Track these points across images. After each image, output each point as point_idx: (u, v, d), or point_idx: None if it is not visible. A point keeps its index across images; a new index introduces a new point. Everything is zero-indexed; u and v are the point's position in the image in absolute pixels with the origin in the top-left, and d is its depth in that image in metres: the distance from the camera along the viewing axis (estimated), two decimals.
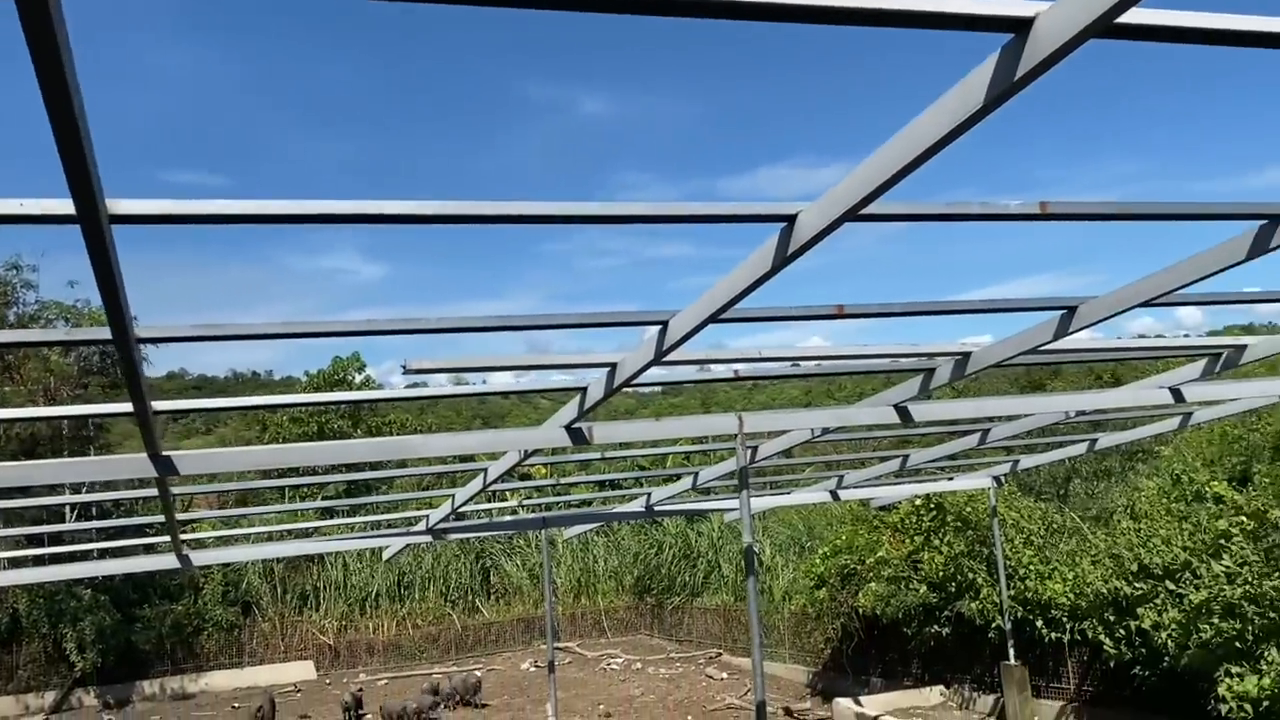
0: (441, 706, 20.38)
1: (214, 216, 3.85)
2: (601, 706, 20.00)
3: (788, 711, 18.13)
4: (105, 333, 4.62)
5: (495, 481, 9.81)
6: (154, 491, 8.88)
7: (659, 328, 5.89)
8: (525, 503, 15.08)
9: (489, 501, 18.26)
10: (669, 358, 6.38)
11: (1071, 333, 6.55)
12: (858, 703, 16.07)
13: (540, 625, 29.45)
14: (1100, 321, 6.33)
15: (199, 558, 12.01)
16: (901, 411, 8.44)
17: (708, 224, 4.56)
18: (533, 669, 25.40)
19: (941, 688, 16.91)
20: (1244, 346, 8.39)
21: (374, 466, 27.37)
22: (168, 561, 11.37)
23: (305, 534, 22.29)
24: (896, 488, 15.76)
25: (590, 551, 32.22)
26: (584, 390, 7.15)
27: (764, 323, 6.20)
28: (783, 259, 4.64)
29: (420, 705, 19.15)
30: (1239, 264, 5.43)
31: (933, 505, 17.08)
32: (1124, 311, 6.11)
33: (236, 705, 22.76)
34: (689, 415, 8.73)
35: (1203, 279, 5.63)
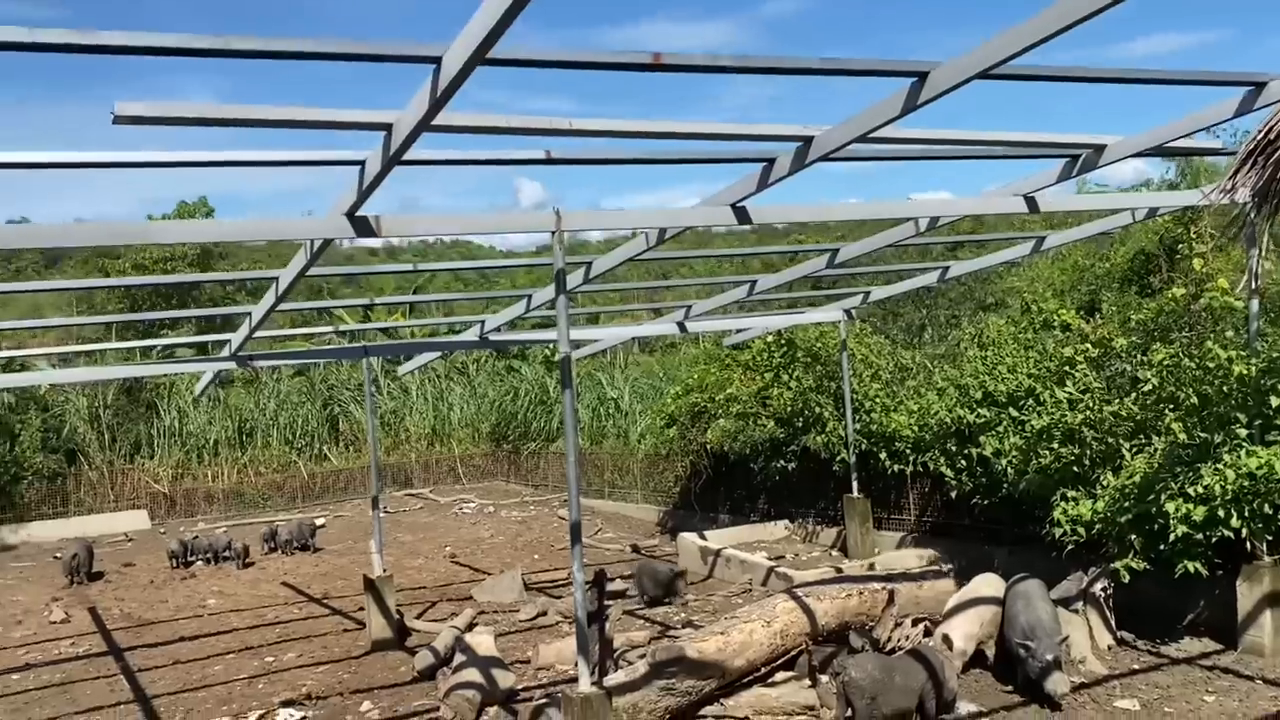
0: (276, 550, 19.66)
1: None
2: (448, 548, 19.45)
3: (636, 549, 17.89)
4: None
5: (289, 292, 8.64)
6: None
7: (432, 68, 4.79)
8: (361, 326, 13.93)
9: (313, 325, 17.06)
10: (449, 120, 5.32)
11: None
12: (702, 537, 15.85)
13: (391, 472, 28.63)
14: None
15: None
16: (739, 211, 7.60)
17: None
18: (383, 513, 24.61)
19: (786, 522, 16.84)
20: (1103, 146, 7.79)
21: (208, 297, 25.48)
22: None
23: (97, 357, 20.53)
24: (748, 320, 15.20)
25: (445, 399, 31.31)
26: (361, 165, 6.01)
27: (567, 70, 5.18)
28: None
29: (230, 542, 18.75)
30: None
31: (784, 341, 16.67)
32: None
33: (57, 555, 21.31)
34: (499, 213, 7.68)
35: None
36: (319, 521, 22.88)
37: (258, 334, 10.61)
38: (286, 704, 10.03)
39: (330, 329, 13.44)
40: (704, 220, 7.70)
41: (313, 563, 18.86)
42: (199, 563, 19.03)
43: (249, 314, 10.21)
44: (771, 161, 7.02)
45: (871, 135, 6.43)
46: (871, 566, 12.71)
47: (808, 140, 6.67)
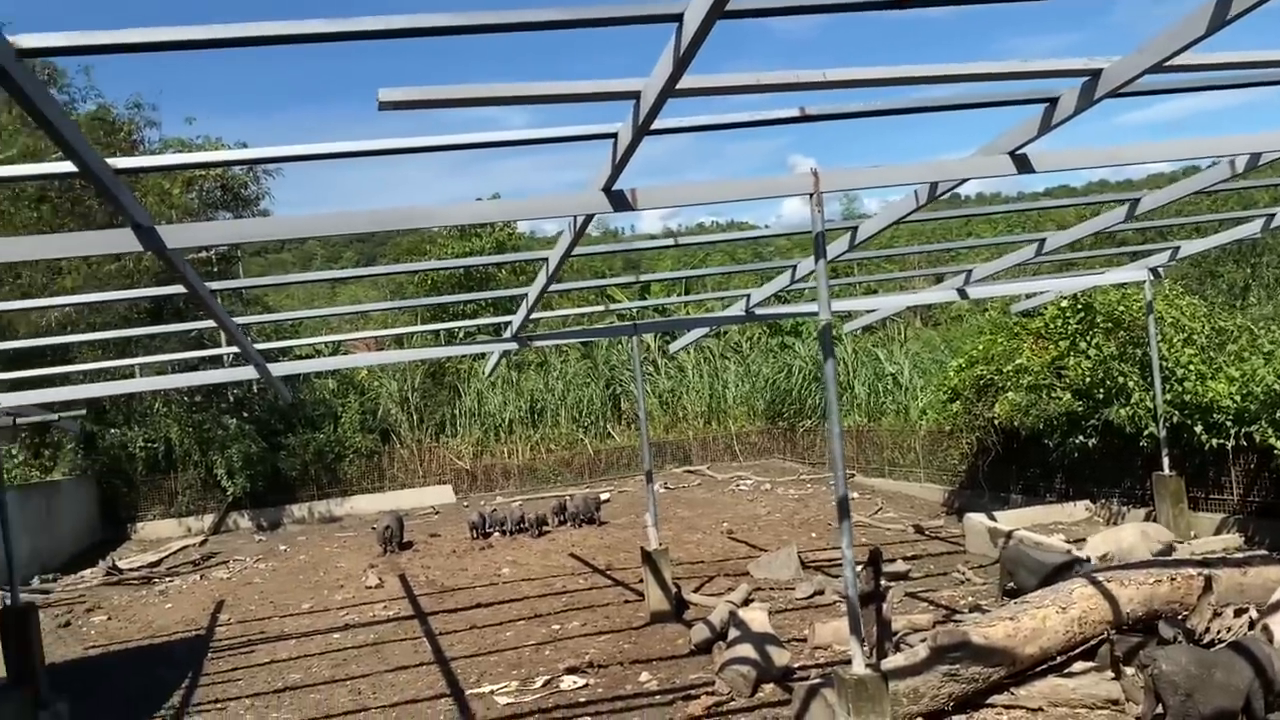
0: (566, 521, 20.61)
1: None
2: (725, 524, 19.55)
3: (918, 529, 17.19)
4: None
5: (559, 271, 8.88)
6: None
7: (674, 27, 4.66)
8: (633, 305, 14.16)
9: (583, 306, 17.63)
10: (695, 83, 5.17)
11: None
12: (991, 518, 14.93)
13: (670, 449, 29.23)
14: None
15: (281, 369, 11.70)
16: (1019, 160, 6.97)
17: None
18: (662, 489, 25.18)
19: (1087, 502, 15.54)
20: None
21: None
22: (244, 372, 11.08)
23: (398, 342, 22.38)
24: (1038, 283, 14.12)
25: (721, 378, 31.61)
26: (614, 137, 6.00)
27: (814, 14, 4.88)
28: None
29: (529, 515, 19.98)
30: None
31: (1080, 306, 15.36)
32: None
33: (374, 527, 23.42)
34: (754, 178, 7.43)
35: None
36: (604, 496, 23.74)
37: (541, 315, 11.04)
38: (570, 671, 10.37)
39: (602, 308, 13.89)
40: (978, 171, 7.12)
41: (598, 535, 19.56)
42: (496, 534, 20.24)
43: (525, 295, 10.64)
44: (1054, 101, 6.36)
45: (1170, 63, 5.68)
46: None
47: (1095, 74, 5.97)
